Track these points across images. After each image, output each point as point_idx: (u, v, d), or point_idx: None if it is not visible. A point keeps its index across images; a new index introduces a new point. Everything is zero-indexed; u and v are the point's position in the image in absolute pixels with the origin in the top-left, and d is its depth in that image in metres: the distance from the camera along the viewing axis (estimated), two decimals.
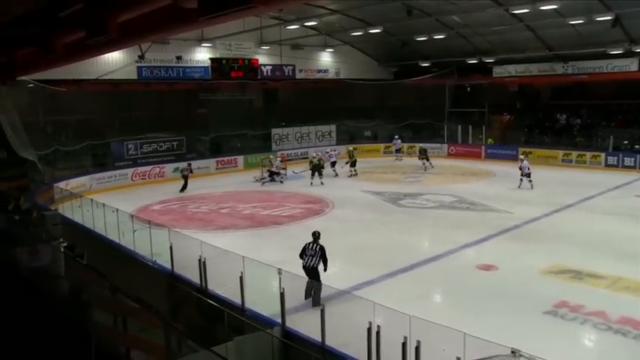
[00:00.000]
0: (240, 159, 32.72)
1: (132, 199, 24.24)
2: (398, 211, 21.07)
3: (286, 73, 35.50)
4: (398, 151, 35.38)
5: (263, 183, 27.63)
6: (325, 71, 37.89)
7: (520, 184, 24.59)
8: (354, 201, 22.96)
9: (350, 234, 17.77)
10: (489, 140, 35.76)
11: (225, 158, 31.22)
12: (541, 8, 23.91)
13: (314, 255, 12.15)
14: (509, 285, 12.97)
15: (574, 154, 31.24)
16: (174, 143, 30.85)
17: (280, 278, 10.43)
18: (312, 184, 26.77)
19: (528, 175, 24.51)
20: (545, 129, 34.35)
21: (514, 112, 37.26)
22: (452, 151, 36.28)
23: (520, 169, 24.90)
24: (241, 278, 11.21)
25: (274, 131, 35.29)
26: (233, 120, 33.82)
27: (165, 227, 15.18)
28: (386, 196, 23.73)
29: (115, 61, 27.53)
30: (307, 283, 11.64)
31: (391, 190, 24.66)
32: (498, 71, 35.34)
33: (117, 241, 16.21)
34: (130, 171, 28.62)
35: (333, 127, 37.66)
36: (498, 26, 29.05)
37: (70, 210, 19.61)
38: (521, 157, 27.29)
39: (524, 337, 9.23)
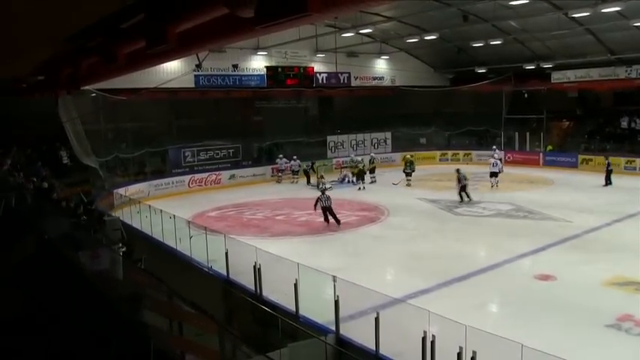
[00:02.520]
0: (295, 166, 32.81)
1: (188, 205, 24.62)
2: (454, 220, 20.83)
3: (341, 81, 35.65)
4: (281, 171, 31.69)
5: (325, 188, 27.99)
6: (381, 78, 37.87)
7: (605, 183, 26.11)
8: (409, 208, 22.81)
9: (406, 242, 17.65)
10: (549, 147, 34.94)
11: (292, 162, 31.43)
12: (602, 11, 23.06)
13: (327, 200, 19.46)
14: (568, 296, 12.56)
15: (638, 161, 30.19)
16: (231, 150, 31.30)
17: (335, 285, 10.40)
18: (360, 189, 27.46)
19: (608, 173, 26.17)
20: (607, 135, 33.33)
21: (573, 118, 36.30)
22: (509, 158, 35.51)
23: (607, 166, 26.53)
24: (296, 285, 11.23)
25: (329, 138, 35.48)
26: (288, 127, 34.10)
27: (221, 234, 15.31)
28: (442, 203, 23.48)
29: (173, 70, 28.07)
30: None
31: (447, 198, 24.35)
32: (557, 77, 34.45)
33: (174, 246, 16.46)
34: (186, 178, 29.11)
35: (388, 135, 37.60)
36: (557, 31, 28.31)
37: (128, 215, 20.06)
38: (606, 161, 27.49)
39: (584, 351, 8.96)
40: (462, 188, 23.77)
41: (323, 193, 20.99)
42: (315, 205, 20.52)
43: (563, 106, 36.40)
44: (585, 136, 34.18)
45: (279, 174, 30.95)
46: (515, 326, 10.82)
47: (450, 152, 37.90)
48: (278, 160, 31.13)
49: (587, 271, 14.17)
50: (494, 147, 32.71)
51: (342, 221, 20.42)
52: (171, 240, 16.63)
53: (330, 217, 20.45)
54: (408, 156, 30.64)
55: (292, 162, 31.02)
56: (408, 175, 28.52)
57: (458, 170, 24.60)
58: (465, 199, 23.62)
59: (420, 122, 38.60)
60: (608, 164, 27.04)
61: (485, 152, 34.69)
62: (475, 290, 13.27)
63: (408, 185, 28.15)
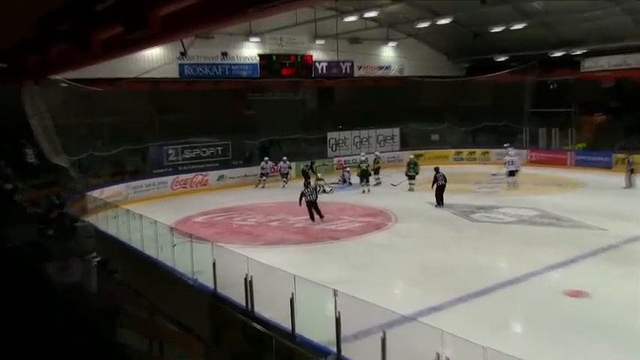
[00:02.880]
0: (292, 166, 32.71)
1: (172, 209, 24.73)
2: (470, 226, 20.88)
3: (344, 71, 35.69)
4: (265, 175, 31.18)
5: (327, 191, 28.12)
6: (387, 68, 37.94)
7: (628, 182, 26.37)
8: (419, 214, 22.89)
9: (416, 252, 17.70)
10: (579, 145, 34.85)
11: (281, 164, 31.26)
12: None
13: (312, 194, 21.02)
14: (603, 315, 12.43)
15: None
16: (219, 148, 31.48)
17: (336, 300, 10.35)
18: (364, 192, 27.78)
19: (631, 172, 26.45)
20: None
21: (608, 111, 36.05)
22: (532, 157, 35.54)
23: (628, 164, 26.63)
24: (292, 300, 11.17)
25: (330, 135, 35.62)
26: (284, 122, 34.17)
27: (208, 242, 15.29)
28: (456, 208, 23.50)
29: (155, 58, 28.07)
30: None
31: (462, 202, 24.39)
32: (588, 65, 34.37)
33: (154, 256, 16.42)
34: (169, 179, 29.21)
35: (396, 131, 37.77)
36: (589, 12, 28.11)
37: (104, 221, 20.08)
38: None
39: None
40: (439, 190, 24.10)
41: (307, 186, 21.81)
42: (300, 199, 21.87)
43: (595, 98, 36.13)
44: (622, 132, 33.82)
45: (263, 177, 30.58)
46: (542, 348, 10.79)
47: (465, 151, 37.95)
48: (263, 164, 30.79)
49: (626, 286, 13.99)
50: (506, 144, 32.60)
51: (344, 228, 20.63)
52: (152, 249, 16.59)
53: (316, 214, 21.74)
54: (412, 156, 30.38)
55: (281, 163, 30.82)
56: (411, 178, 28.16)
57: (436, 169, 24.87)
58: (438, 203, 24.07)
59: (432, 117, 38.61)
60: (630, 162, 27.00)
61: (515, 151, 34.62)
62: (495, 307, 13.24)
63: (411, 190, 27.89)
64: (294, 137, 34.50)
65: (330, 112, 38.26)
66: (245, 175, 31.48)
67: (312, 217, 21.91)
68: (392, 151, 37.12)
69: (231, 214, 24.24)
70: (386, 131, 37.44)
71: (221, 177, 30.53)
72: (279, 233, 20.72)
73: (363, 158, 30.50)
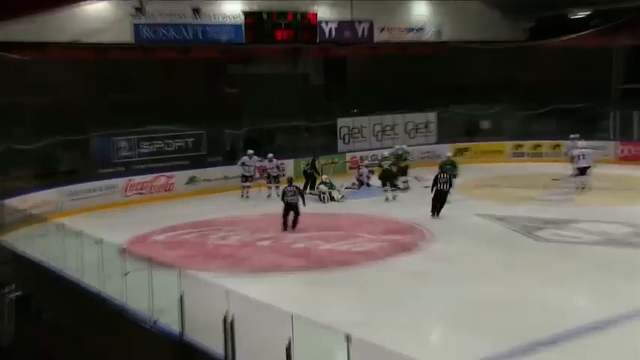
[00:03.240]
0: (290, 164, 32.70)
1: (124, 224, 24.83)
2: (535, 248, 20.78)
3: (359, 34, 35.88)
4: (249, 178, 30.64)
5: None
6: (420, 30, 38.17)
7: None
8: (464, 230, 22.90)
9: (459, 283, 17.47)
10: None
11: (267, 164, 30.70)
12: None
13: (293, 195, 22.53)
14: None
15: None
16: (190, 140, 31.65)
17: (349, 349, 10.27)
18: (387, 199, 27.95)
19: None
20: None
21: None
22: (623, 152, 35.73)
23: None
24: (289, 349, 11.08)
25: (341, 122, 35.70)
26: (279, 106, 34.17)
27: (173, 268, 15.21)
28: (516, 223, 23.45)
29: (100, 15, 28.01)
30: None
31: (524, 214, 24.41)
32: None
33: (98, 290, 16.29)
34: (121, 181, 29.19)
35: (432, 116, 37.99)
36: None
37: (27, 241, 19.99)
38: None
39: None
40: (439, 196, 24.53)
41: (290, 183, 23.48)
42: (283, 198, 23.40)
43: None
44: None
45: (247, 183, 29.97)
46: None
47: (527, 143, 38.01)
48: (245, 159, 29.92)
49: None
50: (574, 135, 32.39)
51: (360, 250, 20.83)
52: (96, 279, 16.49)
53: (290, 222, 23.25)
54: (449, 154, 30.25)
55: (267, 163, 30.12)
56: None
57: (442, 166, 25.71)
58: (433, 213, 24.67)
59: (482, 97, 38.54)
60: None
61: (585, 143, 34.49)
62: None
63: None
64: (293, 125, 34.63)
65: (340, 92, 38.38)
66: (225, 177, 31.42)
67: (285, 225, 23.24)
68: (426, 144, 37.22)
69: (205, 230, 24.33)
70: (418, 117, 37.70)
71: (192, 179, 30.56)
72: (271, 256, 20.72)
73: (386, 154, 30.53)
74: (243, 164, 29.92)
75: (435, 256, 20.13)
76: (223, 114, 33.06)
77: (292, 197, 22.85)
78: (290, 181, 24.03)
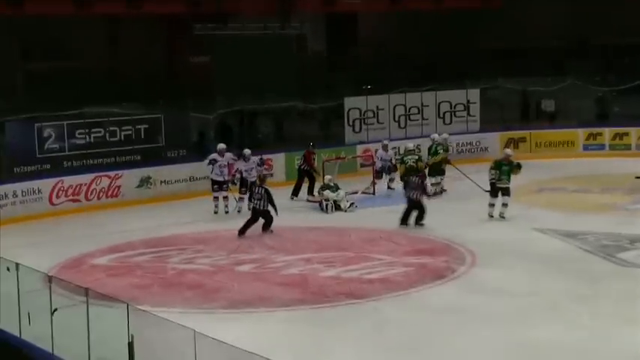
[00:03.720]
0: (280, 160, 33.18)
1: (51, 242, 24.83)
2: (616, 275, 20.75)
3: None
4: (222, 185, 30.07)
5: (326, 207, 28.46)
6: None
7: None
8: (518, 250, 22.91)
9: (509, 324, 17.36)
10: None
11: (242, 164, 30.00)
12: None
13: (260, 199, 24.14)
14: None
15: None
16: (142, 127, 31.57)
17: None
18: None
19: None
20: None
21: None
22: None
23: None
24: None
25: (349, 103, 35.56)
26: (265, 79, 34.39)
27: (120, 302, 15.01)
28: (589, 241, 23.54)
29: None
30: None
31: (601, 229, 24.45)
32: None
33: (15, 334, 16.30)
34: (47, 184, 29.14)
35: (474, 94, 37.72)
36: None
37: None
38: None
39: None
40: (411, 205, 25.59)
41: (262, 182, 24.71)
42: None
43: None
44: None
45: (220, 192, 29.29)
46: None
47: (607, 131, 37.66)
48: (214, 156, 29.05)
49: None
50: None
51: (375, 277, 20.89)
52: (11, 319, 16.46)
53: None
54: (508, 151, 29.64)
55: (241, 164, 29.28)
56: (503, 192, 27.27)
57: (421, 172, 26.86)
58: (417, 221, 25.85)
59: (541, 66, 38.77)
60: None
61: None
62: None
63: (502, 217, 27.43)
64: (283, 107, 35.02)
65: (349, 61, 38.87)
66: (191, 178, 31.79)
67: (243, 231, 24.87)
68: (467, 133, 37.38)
69: (164, 250, 24.37)
70: (454, 95, 37.55)
71: (145, 181, 30.83)
72: (256, 286, 20.62)
73: (411, 146, 30.33)
74: (212, 163, 29.11)
75: (477, 287, 20.05)
76: (188, 91, 33.43)
77: (258, 202, 23.78)
78: (261, 180, 24.84)
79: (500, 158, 28.01)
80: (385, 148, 31.97)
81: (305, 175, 30.45)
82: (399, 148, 32.54)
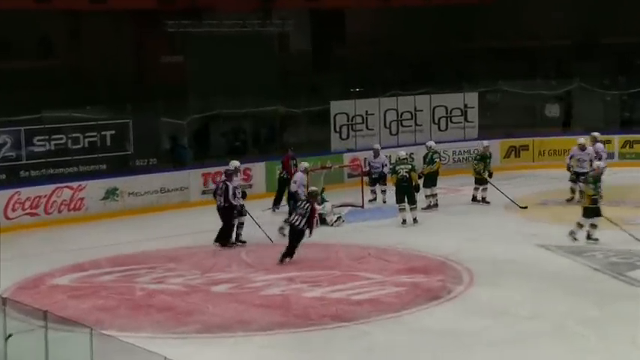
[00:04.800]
0: (260, 170, 33.66)
1: (6, 261, 23.62)
2: (626, 295, 20.33)
3: None
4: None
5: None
6: None
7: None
8: (519, 268, 22.70)
9: (510, 349, 16.92)
10: None
11: (225, 168, 29.91)
12: None
13: (304, 215, 23.20)
14: None
15: None
16: (108, 134, 31.48)
17: None
18: (404, 221, 28.36)
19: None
20: None
21: None
22: None
23: None
24: None
25: (335, 107, 35.82)
26: (243, 81, 34.55)
27: (84, 327, 14.53)
28: (597, 258, 23.34)
29: None
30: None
31: (611, 246, 24.06)
32: None
33: None
34: (2, 195, 29.13)
35: (473, 97, 37.99)
36: None
37: None
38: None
39: None
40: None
41: (312, 197, 24.16)
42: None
43: None
44: None
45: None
46: None
47: (615, 139, 37.50)
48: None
49: None
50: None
51: (365, 297, 20.50)
52: None
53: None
54: (486, 143, 31.22)
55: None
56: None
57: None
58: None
59: (548, 68, 39.21)
60: None
61: None
62: None
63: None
64: (263, 112, 35.04)
65: (336, 61, 39.37)
66: (162, 190, 31.53)
67: (289, 254, 23.55)
68: (464, 140, 37.49)
69: (132, 269, 24.13)
70: (452, 99, 37.95)
71: (112, 193, 30.35)
72: (233, 308, 20.27)
73: (403, 155, 30.00)
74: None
75: (475, 308, 19.82)
76: (159, 94, 33.30)
77: (299, 218, 23.12)
78: (312, 197, 24.16)
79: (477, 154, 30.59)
80: (376, 153, 32.24)
81: (284, 184, 30.26)
82: (390, 156, 32.37)
